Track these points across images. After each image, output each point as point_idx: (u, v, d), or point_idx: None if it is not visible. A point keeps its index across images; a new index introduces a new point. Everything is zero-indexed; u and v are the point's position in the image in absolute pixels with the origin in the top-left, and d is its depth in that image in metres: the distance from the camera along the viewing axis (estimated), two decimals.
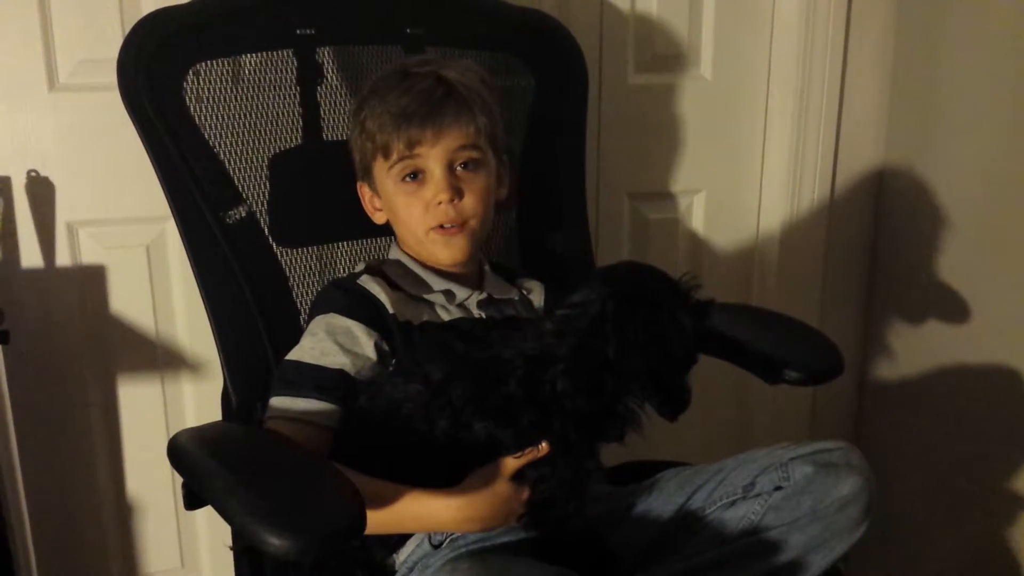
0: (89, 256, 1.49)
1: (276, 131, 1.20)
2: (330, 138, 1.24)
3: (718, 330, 1.05)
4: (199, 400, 1.58)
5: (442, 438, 0.99)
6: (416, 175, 1.13)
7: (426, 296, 1.16)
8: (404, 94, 1.11)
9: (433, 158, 1.11)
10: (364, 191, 1.21)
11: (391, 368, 1.09)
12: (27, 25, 1.39)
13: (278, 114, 1.20)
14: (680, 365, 0.98)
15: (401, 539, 1.06)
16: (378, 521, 0.92)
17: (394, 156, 1.12)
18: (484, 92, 1.15)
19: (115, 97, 1.10)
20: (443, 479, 1.00)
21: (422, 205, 1.13)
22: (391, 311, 1.11)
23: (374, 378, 1.07)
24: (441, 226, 1.13)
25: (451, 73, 1.13)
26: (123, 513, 1.62)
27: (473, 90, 1.13)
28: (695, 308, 1.00)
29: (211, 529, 1.65)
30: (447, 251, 1.15)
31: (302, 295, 1.21)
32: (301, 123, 1.22)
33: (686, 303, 1.00)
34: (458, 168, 1.13)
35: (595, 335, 0.96)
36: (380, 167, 1.14)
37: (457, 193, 1.12)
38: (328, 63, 1.23)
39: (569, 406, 0.96)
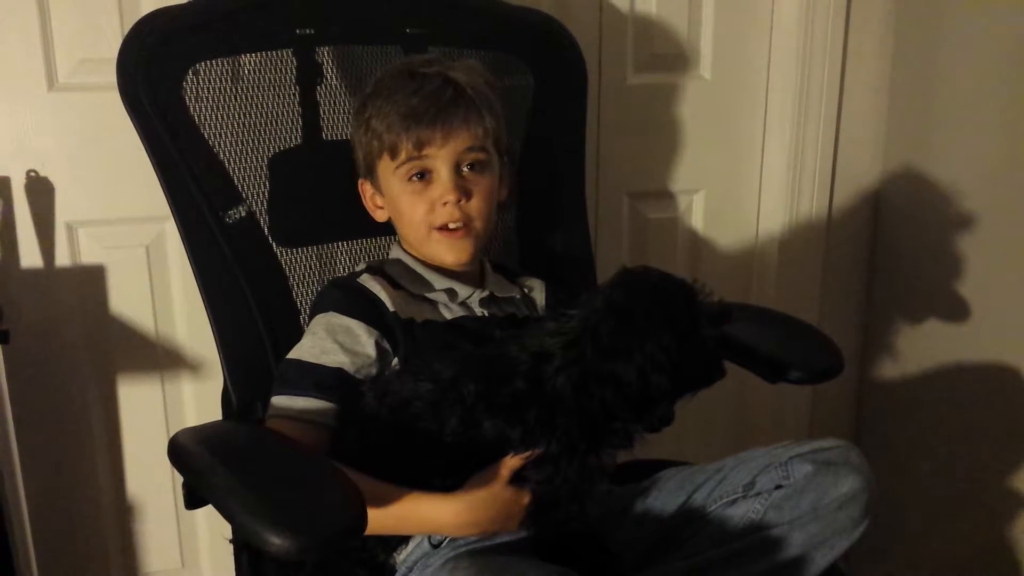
0: (89, 256, 1.49)
1: (276, 131, 1.20)
2: (330, 138, 1.24)
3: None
4: (199, 400, 1.58)
5: (450, 437, 0.99)
6: (423, 175, 1.13)
7: (428, 295, 1.16)
8: (413, 94, 1.11)
9: (441, 159, 1.12)
10: (365, 188, 1.21)
11: (393, 366, 1.10)
12: (26, 25, 1.39)
13: (278, 114, 1.20)
14: (651, 381, 0.95)
15: (401, 539, 1.06)
16: (377, 522, 0.92)
17: (402, 156, 1.12)
18: (490, 94, 1.15)
19: (115, 97, 1.10)
20: (449, 479, 1.00)
21: (428, 205, 1.13)
22: (392, 309, 1.11)
23: (379, 376, 1.08)
24: (445, 227, 1.13)
25: (459, 74, 1.13)
26: (123, 512, 1.62)
27: (480, 92, 1.13)
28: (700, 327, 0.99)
29: (211, 528, 1.65)
30: (451, 252, 1.15)
31: (302, 295, 1.21)
32: (301, 123, 1.22)
33: (687, 324, 0.98)
34: (464, 169, 1.13)
35: (582, 336, 0.97)
36: (385, 166, 1.14)
37: (464, 194, 1.12)
38: (328, 63, 1.23)
39: (571, 404, 0.96)
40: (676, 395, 0.98)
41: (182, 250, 1.15)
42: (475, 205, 1.14)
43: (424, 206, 1.13)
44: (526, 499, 1.01)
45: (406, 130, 1.10)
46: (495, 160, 1.17)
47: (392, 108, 1.11)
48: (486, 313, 1.17)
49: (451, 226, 1.13)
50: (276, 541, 0.77)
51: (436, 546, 1.04)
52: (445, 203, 1.12)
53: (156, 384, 1.58)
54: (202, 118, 1.14)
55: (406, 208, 1.15)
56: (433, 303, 1.16)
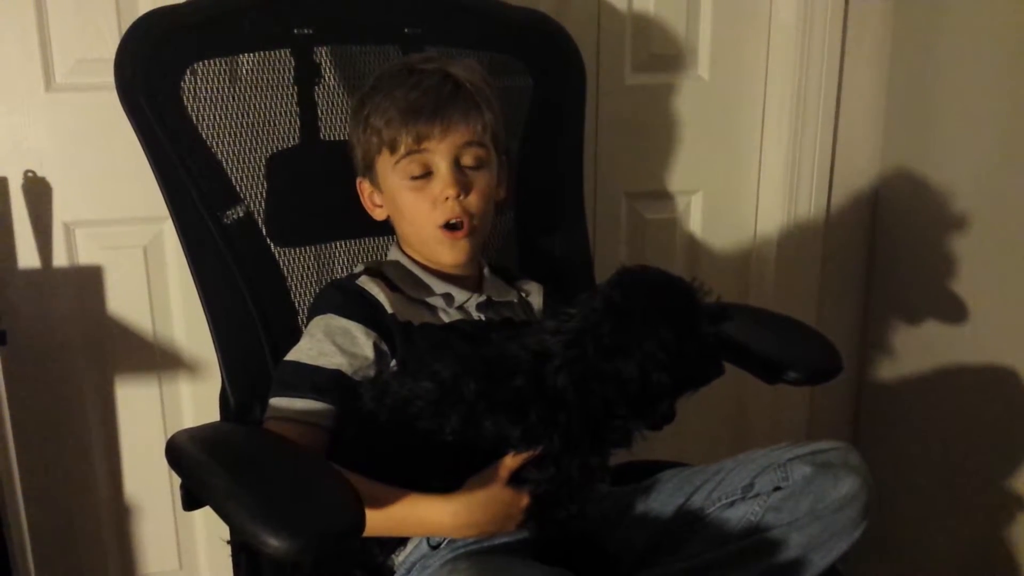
0: (86, 256, 1.49)
1: (273, 131, 1.20)
2: (327, 138, 1.24)
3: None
4: (197, 401, 1.58)
5: (450, 436, 0.99)
6: (422, 174, 1.13)
7: (425, 299, 1.15)
8: (412, 89, 1.11)
9: (440, 153, 1.11)
10: (364, 187, 1.20)
11: (392, 368, 1.10)
12: (24, 25, 1.38)
13: (275, 114, 1.20)
14: (652, 379, 0.95)
15: (399, 540, 1.06)
16: (375, 523, 0.92)
17: (401, 150, 1.12)
18: (488, 90, 1.15)
19: (112, 97, 1.10)
20: (448, 480, 1.00)
21: (429, 201, 1.13)
22: (390, 311, 1.11)
23: (378, 377, 1.07)
24: (447, 225, 1.13)
25: (458, 70, 1.13)
26: (121, 514, 1.62)
27: (479, 87, 1.14)
28: (702, 325, 0.99)
29: (209, 530, 1.64)
30: (451, 252, 1.15)
31: (300, 295, 1.21)
32: (298, 123, 1.22)
33: (686, 322, 0.98)
34: (464, 165, 1.13)
35: (583, 335, 0.97)
36: (384, 162, 1.14)
37: (464, 189, 1.12)
38: (326, 63, 1.23)
39: (572, 402, 0.96)
40: (676, 393, 0.98)
41: (180, 251, 1.15)
42: (474, 201, 1.13)
43: (426, 204, 1.13)
44: (524, 500, 1.01)
45: (405, 124, 1.10)
46: (493, 157, 1.17)
47: (391, 104, 1.11)
48: (483, 317, 1.17)
49: (452, 220, 1.13)
50: (274, 542, 0.77)
51: (435, 548, 1.04)
52: (446, 199, 1.12)
53: (154, 385, 1.58)
54: (200, 118, 1.14)
55: (406, 206, 1.15)
56: (431, 307, 1.16)
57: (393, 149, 1.12)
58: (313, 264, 1.23)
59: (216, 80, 1.15)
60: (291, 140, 1.22)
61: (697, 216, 1.82)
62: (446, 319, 1.15)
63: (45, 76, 1.41)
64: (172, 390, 1.59)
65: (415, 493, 0.98)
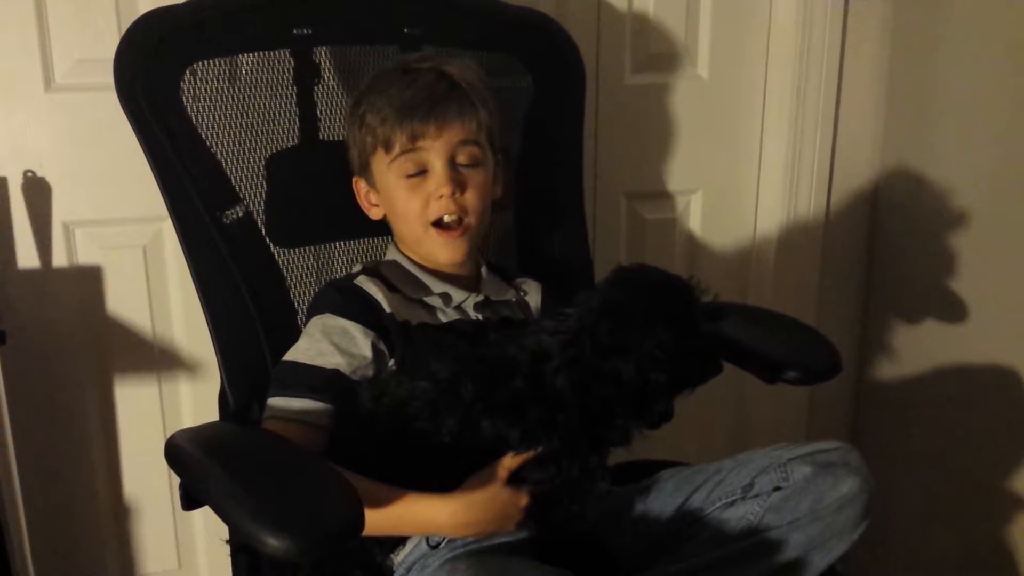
0: (86, 256, 1.49)
1: (273, 131, 1.20)
2: (327, 138, 1.24)
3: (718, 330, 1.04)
4: (196, 401, 1.58)
5: (448, 437, 0.99)
6: (417, 173, 1.13)
7: (424, 299, 1.16)
8: (407, 88, 1.11)
9: (435, 151, 1.12)
10: (360, 187, 1.20)
11: (390, 368, 1.10)
12: (23, 25, 1.38)
13: (275, 114, 1.20)
14: (650, 377, 0.95)
15: (399, 539, 1.06)
16: (374, 523, 0.92)
17: (396, 149, 1.12)
18: (483, 89, 1.15)
19: (112, 97, 1.10)
20: (447, 479, 1.00)
21: (423, 199, 1.13)
22: (388, 310, 1.11)
23: (376, 377, 1.08)
24: (441, 222, 1.13)
25: (452, 69, 1.14)
26: (120, 514, 1.61)
27: (474, 86, 1.14)
28: (699, 323, 0.99)
29: (208, 530, 1.64)
30: (446, 251, 1.15)
31: (299, 295, 1.21)
32: (298, 123, 1.22)
33: (683, 320, 0.98)
34: (459, 163, 1.13)
35: (581, 335, 0.97)
36: (380, 161, 1.14)
37: (459, 187, 1.12)
38: (325, 63, 1.23)
39: (570, 402, 0.96)
40: (673, 392, 0.98)
41: (179, 250, 1.15)
42: (469, 199, 1.14)
43: (420, 201, 1.13)
44: (524, 500, 1.01)
45: (400, 123, 1.10)
46: (489, 156, 1.17)
47: (386, 102, 1.11)
48: (480, 317, 1.17)
49: (447, 219, 1.13)
50: (273, 542, 0.77)
51: (434, 547, 1.04)
52: (440, 196, 1.12)
53: (153, 385, 1.58)
54: (199, 118, 1.14)
55: (401, 203, 1.15)
56: (428, 307, 1.16)
57: (388, 148, 1.12)
58: (312, 264, 1.23)
59: (216, 80, 1.15)
60: (290, 140, 1.22)
61: (697, 216, 1.82)
62: (444, 319, 1.15)
63: (45, 76, 1.41)
64: (171, 390, 1.59)
65: (414, 492, 0.98)
